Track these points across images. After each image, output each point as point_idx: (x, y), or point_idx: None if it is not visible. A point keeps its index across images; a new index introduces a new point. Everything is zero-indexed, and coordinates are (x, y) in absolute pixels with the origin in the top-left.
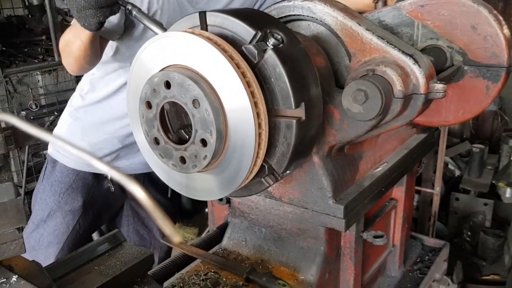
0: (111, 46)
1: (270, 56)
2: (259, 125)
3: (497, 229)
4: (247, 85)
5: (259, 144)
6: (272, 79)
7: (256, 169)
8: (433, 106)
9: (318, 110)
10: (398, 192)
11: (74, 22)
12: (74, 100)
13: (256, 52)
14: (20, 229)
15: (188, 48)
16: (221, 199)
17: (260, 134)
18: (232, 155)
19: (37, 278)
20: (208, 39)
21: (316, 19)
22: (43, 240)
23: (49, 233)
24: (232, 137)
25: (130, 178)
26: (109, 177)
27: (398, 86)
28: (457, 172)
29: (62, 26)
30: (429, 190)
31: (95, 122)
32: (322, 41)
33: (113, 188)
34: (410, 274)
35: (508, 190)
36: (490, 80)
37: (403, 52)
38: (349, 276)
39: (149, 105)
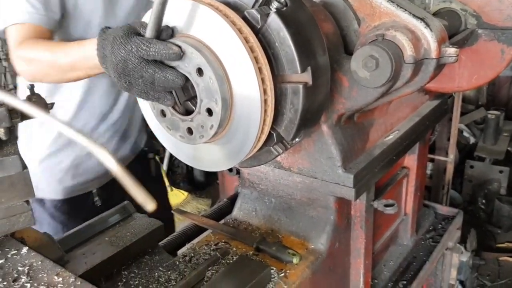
0: None
1: (274, 19)
2: (265, 91)
3: None
4: (251, 50)
5: (265, 111)
6: (277, 44)
7: (263, 137)
8: (445, 71)
9: (326, 74)
10: (410, 160)
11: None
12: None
13: (258, 16)
14: (28, 202)
15: (189, 16)
16: (231, 170)
17: (266, 100)
18: (238, 123)
19: (49, 250)
20: (210, 5)
21: None
22: None
23: None
24: (238, 105)
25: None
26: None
27: (408, 51)
28: (472, 140)
29: None
30: (442, 158)
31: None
32: (330, 6)
33: (99, 204)
34: (423, 242)
35: None
36: (505, 44)
37: (414, 15)
38: (360, 244)
39: None
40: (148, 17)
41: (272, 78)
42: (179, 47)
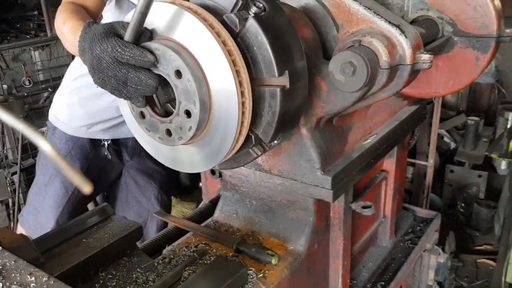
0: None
1: (252, 24)
2: (242, 93)
3: (491, 200)
4: (229, 53)
5: (243, 113)
6: (255, 48)
7: (241, 139)
8: (423, 77)
9: (304, 78)
10: (389, 164)
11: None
12: (72, 70)
13: (237, 20)
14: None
15: (168, 19)
16: (213, 173)
17: (243, 103)
18: (217, 125)
19: (24, 251)
20: (189, 9)
21: None
22: (45, 203)
23: (50, 197)
24: (216, 107)
25: (40, 134)
26: (106, 145)
27: (384, 57)
28: (453, 145)
29: (54, 0)
30: (423, 163)
31: (92, 92)
32: (310, 12)
33: (110, 156)
34: (401, 244)
35: (503, 162)
36: (479, 51)
37: (389, 22)
38: (338, 246)
39: None
40: (130, 18)
41: (250, 81)
42: (154, 55)
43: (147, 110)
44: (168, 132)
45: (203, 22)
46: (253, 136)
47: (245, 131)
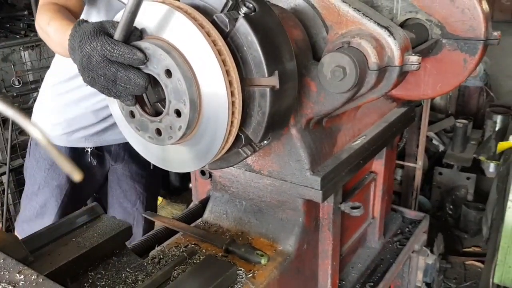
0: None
1: (242, 24)
2: (232, 93)
3: (479, 202)
4: (218, 53)
5: (232, 113)
6: (245, 48)
7: (231, 138)
8: (411, 79)
9: (293, 79)
10: (378, 165)
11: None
12: (49, 78)
13: (227, 20)
14: None
15: (159, 18)
16: (203, 173)
17: (233, 102)
18: (206, 125)
19: (13, 250)
20: (179, 8)
21: None
22: (37, 212)
23: (41, 206)
24: (206, 106)
25: (31, 122)
26: (89, 152)
27: (372, 58)
28: (441, 147)
29: None
30: (411, 165)
31: (70, 99)
32: (299, 13)
33: (94, 163)
34: (390, 245)
35: (491, 164)
36: (467, 53)
37: (378, 24)
38: (327, 246)
39: None
40: (120, 17)
41: (240, 81)
42: (144, 53)
43: (137, 110)
44: (158, 132)
45: (193, 21)
46: (243, 136)
47: (235, 131)
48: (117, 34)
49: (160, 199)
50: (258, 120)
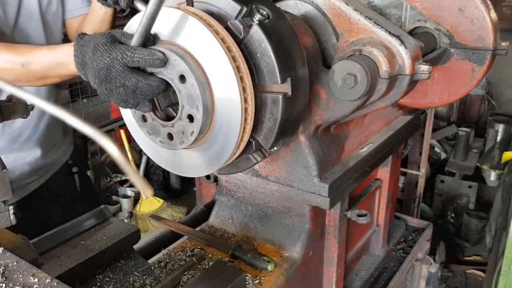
0: None
1: (256, 31)
2: (245, 99)
3: (481, 211)
4: (233, 59)
5: (245, 119)
6: (258, 55)
7: (243, 144)
8: (419, 88)
9: (305, 86)
10: (383, 172)
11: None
12: None
13: (241, 27)
14: (6, 202)
15: (174, 24)
16: (208, 177)
17: (246, 109)
18: (219, 130)
19: (23, 252)
20: (194, 14)
21: None
22: None
23: None
24: (219, 112)
25: (104, 135)
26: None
27: (384, 66)
28: (443, 155)
29: None
30: (414, 172)
31: None
32: (310, 20)
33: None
34: (393, 253)
35: (493, 173)
36: (475, 63)
37: (389, 33)
38: (333, 253)
39: None
40: (130, 26)
41: (253, 87)
42: (163, 53)
43: (149, 114)
44: (170, 136)
45: (208, 27)
46: (253, 142)
47: (246, 137)
48: (135, 40)
49: (160, 201)
50: (269, 127)
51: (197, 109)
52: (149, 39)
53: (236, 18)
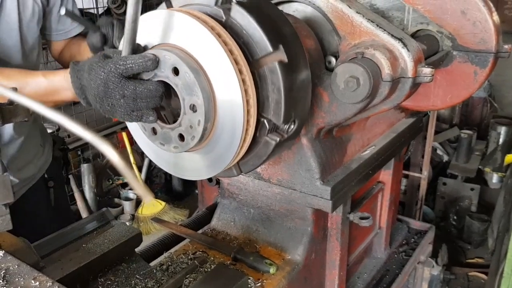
0: None
1: (236, 10)
2: (248, 102)
3: (483, 213)
4: (235, 62)
5: (247, 101)
6: (244, 32)
7: (245, 147)
8: (421, 90)
9: (299, 49)
10: (386, 175)
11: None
12: None
13: (221, 11)
14: (7, 205)
15: (160, 26)
16: (210, 180)
17: (248, 111)
18: (221, 132)
19: (25, 255)
20: (179, 11)
21: (307, 1)
22: None
23: None
24: (221, 114)
25: (104, 140)
26: None
27: (386, 69)
28: (445, 158)
29: None
30: (416, 175)
31: None
32: (312, 23)
33: None
34: (396, 256)
35: (495, 175)
36: (478, 66)
37: (392, 35)
38: (335, 256)
39: None
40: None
41: (248, 65)
42: (153, 54)
43: (157, 124)
44: (181, 137)
45: (198, 20)
46: (265, 120)
47: (253, 120)
48: (124, 49)
49: (162, 203)
50: (275, 99)
51: (196, 96)
52: (138, 48)
53: (215, 5)
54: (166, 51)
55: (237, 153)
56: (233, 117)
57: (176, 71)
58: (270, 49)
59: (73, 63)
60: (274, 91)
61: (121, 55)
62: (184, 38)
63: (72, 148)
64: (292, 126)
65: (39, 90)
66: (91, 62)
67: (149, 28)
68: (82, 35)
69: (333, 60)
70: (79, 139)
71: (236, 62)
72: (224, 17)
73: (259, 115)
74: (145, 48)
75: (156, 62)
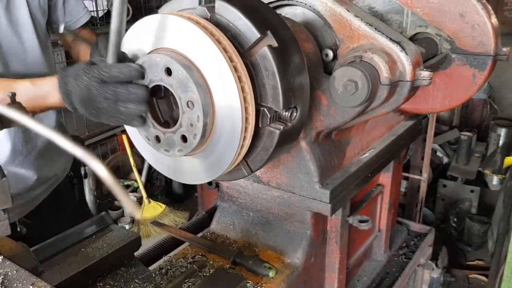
0: None
1: (220, 5)
2: (246, 109)
3: (483, 215)
4: (234, 69)
5: (242, 88)
6: (231, 24)
7: (244, 149)
8: (420, 93)
9: (287, 33)
10: (385, 178)
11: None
12: None
13: (205, 8)
14: (5, 211)
15: (151, 33)
16: (210, 183)
17: (247, 118)
18: (219, 136)
19: (24, 260)
20: (171, 14)
21: (306, 4)
22: None
23: None
24: (219, 120)
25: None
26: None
27: (384, 73)
28: (445, 160)
29: None
30: (416, 177)
31: None
32: (311, 26)
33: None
34: (396, 258)
35: (495, 177)
36: (477, 68)
37: (390, 39)
38: (334, 259)
39: None
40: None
41: (240, 55)
42: (139, 65)
43: (160, 132)
44: (184, 138)
45: (189, 20)
46: (265, 109)
47: (252, 109)
48: (110, 58)
49: (162, 206)
50: (272, 85)
51: (192, 91)
52: (124, 56)
53: (199, 4)
54: (157, 54)
55: (240, 142)
56: (230, 107)
57: (169, 71)
58: (258, 35)
59: (61, 68)
60: (269, 76)
61: (107, 62)
62: (173, 39)
63: None
64: (294, 114)
65: (28, 96)
66: (77, 68)
67: (139, 36)
68: (89, 44)
69: (330, 53)
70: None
71: (225, 50)
72: (209, 14)
73: (258, 104)
74: (134, 58)
75: (140, 71)
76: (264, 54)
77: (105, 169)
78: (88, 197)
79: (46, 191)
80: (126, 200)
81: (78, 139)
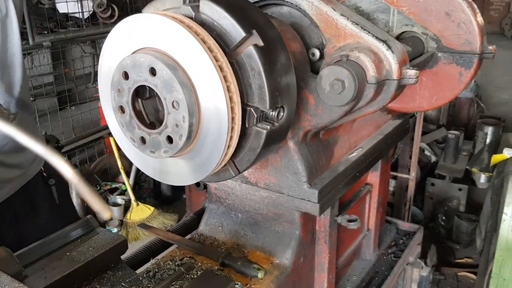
0: None
1: (204, 4)
2: (232, 109)
3: (471, 213)
4: (220, 69)
5: (228, 88)
6: (216, 24)
7: (236, 116)
8: (407, 92)
9: (273, 32)
10: (373, 177)
11: None
12: None
13: (189, 7)
14: None
15: (141, 34)
16: (198, 185)
17: (233, 118)
18: (205, 137)
19: (7, 264)
20: (153, 14)
21: (292, 3)
22: None
23: None
24: (205, 121)
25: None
26: None
27: (371, 71)
28: (433, 158)
29: (37, 8)
30: (404, 176)
31: None
32: (297, 26)
33: None
34: (385, 257)
35: (482, 175)
36: (463, 67)
37: (376, 38)
38: (323, 259)
39: (122, 109)
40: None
41: (226, 56)
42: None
43: (146, 133)
44: (169, 139)
45: (173, 19)
46: (251, 109)
47: (238, 108)
48: None
49: (151, 208)
50: (258, 84)
51: (176, 91)
52: None
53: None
54: (141, 54)
55: (227, 143)
56: (216, 107)
57: (153, 71)
58: (243, 34)
59: None
60: (255, 76)
61: None
62: (157, 39)
63: None
64: (281, 113)
65: None
66: None
67: (123, 36)
68: None
69: (316, 52)
70: (65, 145)
71: (210, 50)
72: (193, 13)
73: (245, 104)
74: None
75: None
76: (250, 53)
77: (70, 168)
78: (75, 200)
79: (17, 181)
80: (93, 200)
81: (53, 139)
